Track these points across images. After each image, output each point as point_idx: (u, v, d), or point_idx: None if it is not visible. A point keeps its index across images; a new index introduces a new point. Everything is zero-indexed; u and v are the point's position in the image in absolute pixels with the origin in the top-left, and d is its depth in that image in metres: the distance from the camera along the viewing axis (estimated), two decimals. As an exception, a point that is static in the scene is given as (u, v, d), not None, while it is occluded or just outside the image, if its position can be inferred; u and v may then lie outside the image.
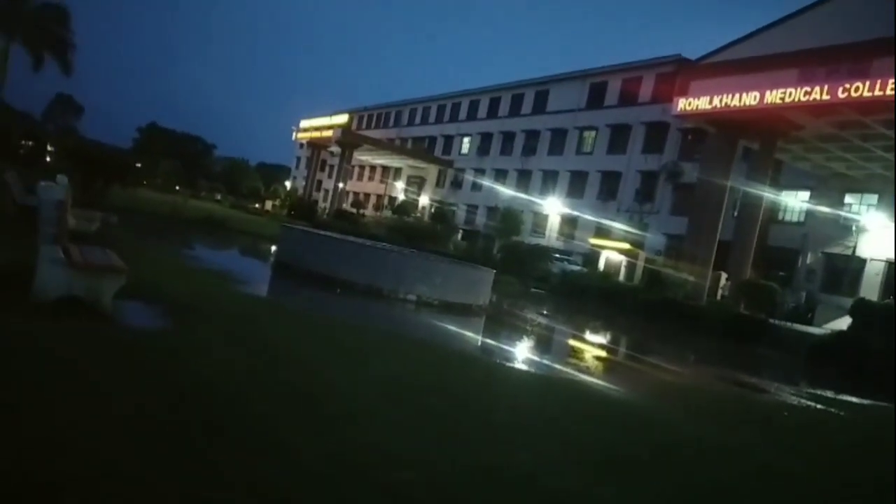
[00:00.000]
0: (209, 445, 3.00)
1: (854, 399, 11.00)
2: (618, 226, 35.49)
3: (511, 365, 8.07)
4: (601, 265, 31.22)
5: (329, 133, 54.03)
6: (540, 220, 43.16)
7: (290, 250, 14.10)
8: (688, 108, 24.86)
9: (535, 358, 9.70)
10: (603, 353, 12.74)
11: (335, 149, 55.34)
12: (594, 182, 40.92)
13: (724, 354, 16.34)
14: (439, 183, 55.78)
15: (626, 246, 31.29)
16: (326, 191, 64.27)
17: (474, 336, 11.03)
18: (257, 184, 75.50)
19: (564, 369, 8.89)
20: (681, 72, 27.80)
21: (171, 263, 10.79)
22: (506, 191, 46.38)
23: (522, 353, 9.85)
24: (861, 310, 17.36)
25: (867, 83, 19.00)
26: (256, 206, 57.60)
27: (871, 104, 19.31)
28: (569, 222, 41.18)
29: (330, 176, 62.49)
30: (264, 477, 2.76)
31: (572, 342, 13.62)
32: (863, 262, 26.57)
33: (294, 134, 66.40)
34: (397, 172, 61.50)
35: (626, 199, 38.23)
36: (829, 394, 11.32)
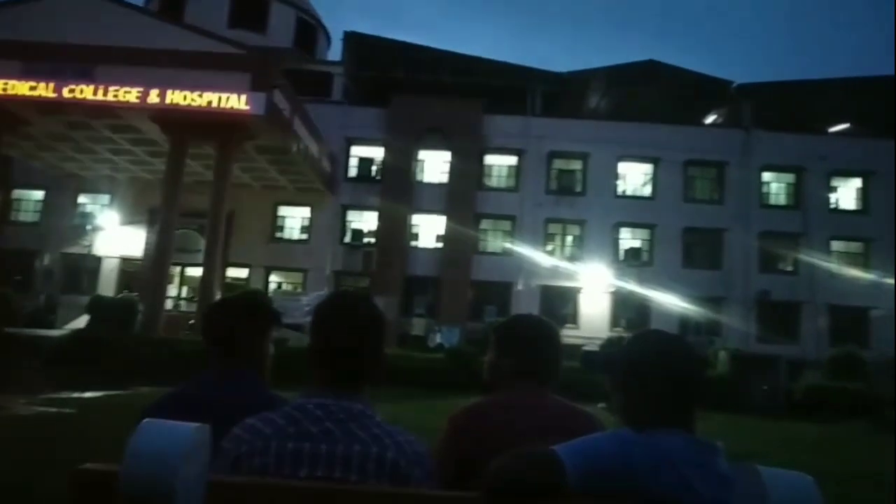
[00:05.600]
0: None
1: (90, 394, 11.32)
2: None
3: None
4: None
5: None
6: None
7: None
8: None
9: None
10: None
11: None
12: None
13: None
14: None
15: None
16: None
17: None
18: None
19: None
20: None
21: None
22: None
23: None
24: (96, 306, 18.04)
25: (91, 87, 19.71)
26: None
27: (95, 108, 20.13)
28: None
29: None
30: None
31: None
32: (99, 260, 27.75)
33: None
34: None
35: None
36: (67, 394, 11.28)
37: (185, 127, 20.12)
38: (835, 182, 27.93)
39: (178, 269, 26.19)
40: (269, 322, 1.82)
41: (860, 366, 20.14)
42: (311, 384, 1.36)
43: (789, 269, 27.28)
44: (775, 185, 28.30)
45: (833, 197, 27.98)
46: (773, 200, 28.09)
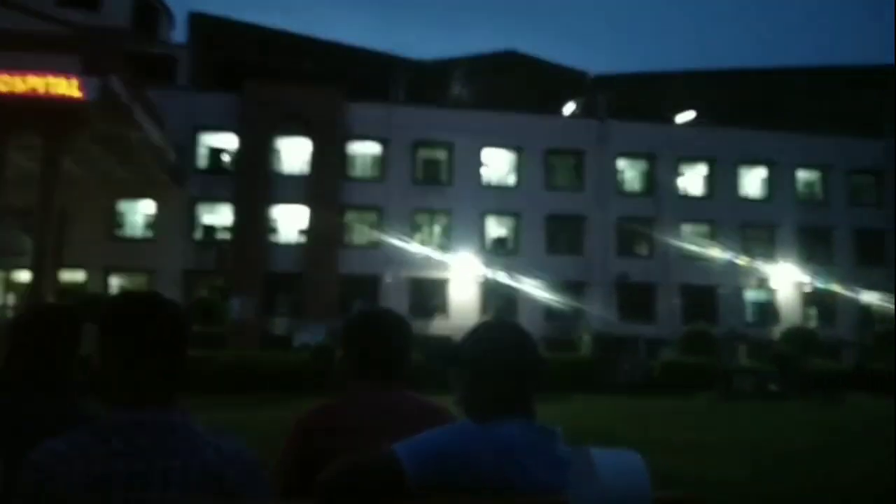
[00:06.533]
0: None
1: None
2: None
3: None
4: None
5: None
6: None
7: None
8: None
9: None
10: None
11: None
12: None
13: None
14: None
15: None
16: None
17: None
18: None
19: None
20: None
21: None
22: None
23: None
24: None
25: None
26: None
27: None
28: None
29: None
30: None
31: None
32: None
33: None
34: None
35: None
36: None
37: (4, 115, 17.72)
38: (682, 168, 29.62)
39: (1, 274, 23.36)
40: (79, 330, 1.69)
41: (709, 341, 21.41)
42: (119, 399, 1.23)
43: (644, 252, 28.61)
44: (630, 173, 29.58)
45: (681, 183, 29.68)
46: (628, 187, 29.35)
